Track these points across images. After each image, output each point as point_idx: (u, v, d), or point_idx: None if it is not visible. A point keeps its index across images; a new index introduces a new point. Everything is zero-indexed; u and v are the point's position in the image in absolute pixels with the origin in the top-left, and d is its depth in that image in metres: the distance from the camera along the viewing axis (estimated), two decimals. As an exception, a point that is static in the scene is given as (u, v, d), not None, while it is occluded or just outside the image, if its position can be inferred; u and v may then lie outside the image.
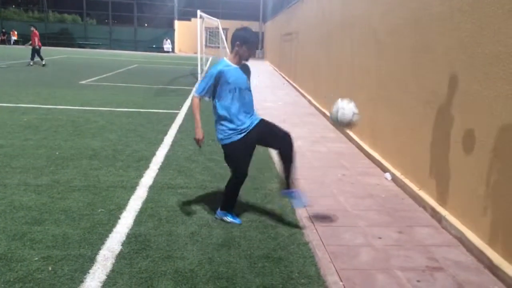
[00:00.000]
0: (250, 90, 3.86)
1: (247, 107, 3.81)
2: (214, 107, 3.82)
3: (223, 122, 3.77)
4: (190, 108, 10.38)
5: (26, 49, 22.67)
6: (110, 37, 42.56)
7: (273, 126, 3.91)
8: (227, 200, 4.02)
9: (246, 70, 3.88)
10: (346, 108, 3.84)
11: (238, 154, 3.80)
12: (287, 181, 3.87)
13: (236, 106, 3.73)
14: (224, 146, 3.84)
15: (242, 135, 3.76)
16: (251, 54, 3.82)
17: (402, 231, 4.02)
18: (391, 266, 3.37)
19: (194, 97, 3.80)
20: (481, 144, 3.69)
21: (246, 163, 3.85)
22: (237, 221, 4.02)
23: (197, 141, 3.84)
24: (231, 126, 3.75)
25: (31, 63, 19.92)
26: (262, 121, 3.89)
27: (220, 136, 3.82)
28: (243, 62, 3.84)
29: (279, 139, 3.81)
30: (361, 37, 7.42)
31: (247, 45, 3.72)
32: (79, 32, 42.88)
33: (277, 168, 5.80)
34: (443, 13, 4.44)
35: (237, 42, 3.71)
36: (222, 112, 3.75)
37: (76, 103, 10.19)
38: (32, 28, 20.14)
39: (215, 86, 3.72)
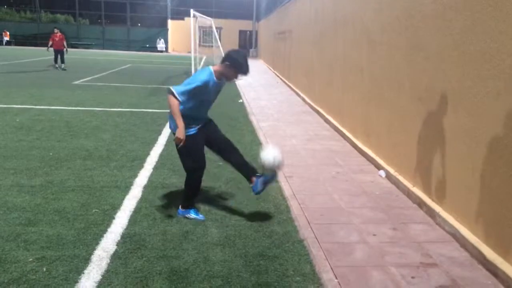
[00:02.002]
0: (211, 102, 4.02)
1: (206, 113, 4.03)
2: (181, 103, 3.69)
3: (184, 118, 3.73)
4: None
5: (19, 50, 22.56)
6: (103, 37, 42.40)
7: (220, 133, 4.17)
8: (189, 196, 4.07)
9: (221, 87, 3.98)
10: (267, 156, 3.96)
11: (186, 149, 3.80)
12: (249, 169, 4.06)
13: (199, 112, 3.88)
14: (187, 137, 3.79)
15: (196, 130, 3.87)
16: (235, 78, 3.90)
17: (396, 228, 4.04)
18: (385, 262, 3.39)
19: (171, 96, 3.64)
20: (474, 141, 3.71)
21: (204, 156, 4.01)
22: (200, 217, 4.04)
23: (180, 141, 3.68)
24: (191, 122, 3.81)
25: (57, 66, 19.15)
26: (211, 127, 4.08)
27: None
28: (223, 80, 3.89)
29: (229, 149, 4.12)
30: (354, 36, 7.44)
31: (235, 70, 3.78)
32: (72, 32, 42.57)
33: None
34: (435, 10, 4.47)
35: (227, 63, 3.75)
36: (186, 111, 3.71)
37: (70, 104, 10.14)
38: (57, 30, 19.11)
39: (194, 92, 3.69)
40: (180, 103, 3.64)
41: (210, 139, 4.04)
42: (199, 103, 3.80)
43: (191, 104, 3.74)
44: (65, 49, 19.10)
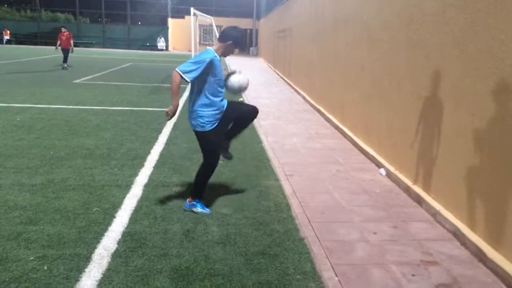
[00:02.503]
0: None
1: (223, 94, 4.07)
2: (197, 93, 3.93)
3: (206, 109, 3.92)
4: (185, 105, 10.35)
5: (21, 49, 22.54)
6: (103, 36, 42.37)
7: (239, 104, 4.44)
8: (199, 189, 4.18)
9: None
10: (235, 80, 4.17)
11: (217, 140, 4.06)
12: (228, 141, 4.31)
13: (219, 94, 3.97)
14: (206, 133, 3.98)
15: (219, 121, 4.04)
16: (235, 51, 4.12)
17: (396, 226, 4.05)
18: (386, 261, 3.39)
19: (177, 73, 3.75)
20: (474, 139, 3.72)
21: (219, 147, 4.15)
22: (206, 211, 4.15)
23: (170, 113, 3.86)
24: (215, 112, 3.96)
25: (65, 65, 18.89)
26: (229, 103, 4.18)
27: (201, 122, 3.94)
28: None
29: (244, 113, 4.29)
30: (355, 34, 7.43)
31: (235, 44, 3.96)
32: (72, 31, 42.01)
33: (273, 165, 5.82)
34: (435, 8, 4.46)
35: (230, 42, 3.92)
36: (206, 100, 3.91)
37: (70, 102, 10.15)
38: (64, 30, 18.98)
39: (202, 73, 3.79)
40: (188, 81, 3.81)
41: (227, 121, 4.20)
42: (217, 85, 3.92)
43: (210, 87, 3.89)
44: (70, 48, 18.90)
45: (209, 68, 3.80)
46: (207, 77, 3.84)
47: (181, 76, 3.73)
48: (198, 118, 3.94)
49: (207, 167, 4.13)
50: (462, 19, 3.94)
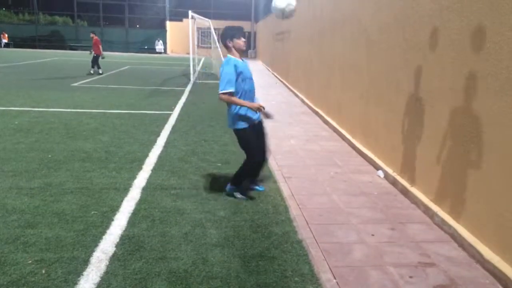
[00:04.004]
0: (252, 79, 4.42)
1: (253, 93, 4.42)
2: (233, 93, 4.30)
3: (236, 108, 4.26)
4: (183, 108, 10.38)
5: (19, 52, 22.53)
6: (101, 39, 42.08)
7: (265, 135, 4.59)
8: (241, 176, 4.53)
9: (248, 63, 4.50)
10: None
11: (251, 139, 4.36)
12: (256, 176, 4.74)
13: (249, 93, 4.31)
14: (239, 131, 4.34)
15: (251, 125, 4.34)
16: (244, 41, 4.29)
17: (394, 228, 4.05)
18: (384, 262, 3.40)
19: (222, 95, 4.16)
20: (471, 140, 3.73)
21: (261, 147, 4.47)
22: (245, 197, 4.56)
23: (259, 109, 4.17)
24: (244, 112, 4.27)
25: (92, 71, 18.46)
26: (262, 123, 4.57)
27: (233, 120, 4.34)
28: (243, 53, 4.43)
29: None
30: (352, 36, 7.45)
31: (237, 36, 4.22)
32: (70, 34, 42.61)
33: (271, 167, 5.82)
34: (432, 10, 4.48)
35: (227, 40, 4.22)
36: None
37: (68, 106, 10.15)
38: (92, 35, 18.45)
39: (236, 79, 4.18)
40: (233, 93, 4.18)
41: (259, 135, 4.51)
42: (244, 84, 4.25)
43: (239, 88, 4.22)
44: (91, 52, 18.37)
45: (237, 71, 4.16)
46: (237, 80, 4.20)
47: (226, 93, 4.14)
48: (230, 117, 4.35)
49: (251, 165, 4.45)
50: (458, 21, 3.96)
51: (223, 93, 4.14)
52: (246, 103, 4.19)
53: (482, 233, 3.55)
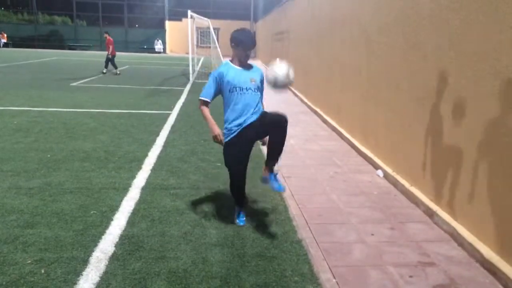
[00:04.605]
0: (254, 90, 3.78)
1: (248, 107, 3.73)
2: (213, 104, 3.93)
3: (224, 121, 3.82)
4: (182, 108, 10.38)
5: (18, 52, 22.50)
6: (100, 39, 42.17)
7: (267, 116, 3.79)
8: (234, 198, 4.13)
9: (252, 71, 3.87)
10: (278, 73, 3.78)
11: (229, 157, 3.86)
12: (270, 166, 3.86)
13: (243, 107, 3.71)
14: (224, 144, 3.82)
15: (235, 134, 3.75)
16: (247, 54, 3.82)
17: (394, 228, 4.05)
18: (383, 262, 3.40)
19: (199, 100, 3.85)
20: (471, 140, 3.73)
21: (239, 162, 3.86)
22: (241, 222, 3.99)
23: (215, 138, 3.73)
24: (228, 125, 3.78)
25: (104, 71, 18.34)
26: (260, 117, 3.79)
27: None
28: (247, 62, 3.86)
29: (271, 128, 3.72)
30: (352, 36, 7.45)
31: (241, 46, 3.76)
32: (69, 34, 42.56)
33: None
34: (432, 10, 4.48)
35: (232, 44, 3.79)
36: (225, 111, 3.82)
37: (67, 105, 10.13)
38: (106, 35, 18.40)
39: (220, 88, 3.80)
40: (209, 103, 3.83)
41: (257, 135, 3.88)
42: (232, 95, 3.72)
43: (225, 99, 3.79)
44: (108, 54, 18.22)
45: (221, 80, 3.76)
46: (223, 89, 3.79)
47: (200, 100, 3.83)
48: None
49: (230, 183, 4.02)
50: (458, 21, 3.96)
51: (199, 99, 3.83)
52: (209, 121, 3.77)
53: (481, 233, 3.55)
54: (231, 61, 3.86)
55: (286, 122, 3.66)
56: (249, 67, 3.88)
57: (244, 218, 4.04)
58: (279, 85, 3.80)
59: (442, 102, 4.22)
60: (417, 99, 4.76)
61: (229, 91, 3.73)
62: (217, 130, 3.72)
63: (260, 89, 3.90)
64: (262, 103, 3.96)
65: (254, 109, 3.77)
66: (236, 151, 3.80)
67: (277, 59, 3.89)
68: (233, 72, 3.77)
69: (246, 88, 3.74)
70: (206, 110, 3.83)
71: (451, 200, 4.02)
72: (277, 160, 3.87)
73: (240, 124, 3.73)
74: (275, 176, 3.85)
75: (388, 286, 3.07)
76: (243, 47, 3.76)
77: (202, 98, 3.81)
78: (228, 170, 3.92)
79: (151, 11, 43.68)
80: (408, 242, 3.76)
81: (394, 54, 5.47)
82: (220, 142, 3.74)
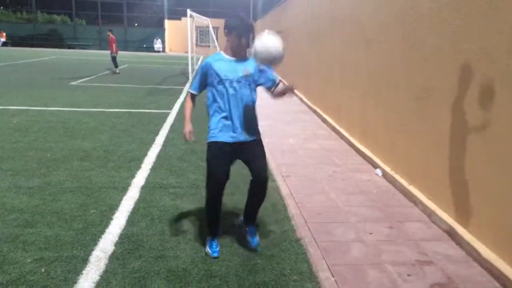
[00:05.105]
0: (246, 84, 3.35)
1: (238, 105, 3.32)
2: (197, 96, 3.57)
3: (211, 117, 3.41)
4: (182, 107, 10.39)
5: (17, 51, 22.49)
6: (99, 37, 42.26)
7: (259, 156, 3.42)
8: (206, 220, 3.56)
9: (247, 62, 3.39)
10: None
11: (211, 162, 3.35)
12: (247, 222, 3.63)
13: (228, 103, 3.31)
14: (207, 144, 3.43)
15: (224, 139, 3.33)
16: (242, 43, 3.29)
17: (392, 226, 4.07)
18: (382, 261, 3.42)
19: (188, 92, 3.56)
20: (469, 139, 3.74)
21: (221, 173, 3.30)
22: (214, 253, 3.39)
23: (184, 135, 3.40)
24: (215, 120, 3.37)
25: (117, 71, 18.36)
26: (254, 145, 3.41)
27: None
28: (242, 54, 3.37)
29: (251, 182, 3.42)
30: (351, 35, 7.46)
31: (234, 32, 3.27)
32: (68, 33, 42.54)
33: (270, 165, 5.84)
34: (431, 9, 4.49)
35: (225, 31, 3.31)
36: (208, 104, 3.41)
37: (67, 104, 10.14)
38: (109, 33, 18.74)
39: (206, 80, 3.39)
40: (195, 95, 3.51)
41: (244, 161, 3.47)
42: (223, 90, 3.30)
43: (211, 96, 3.37)
44: (111, 52, 18.41)
45: (207, 71, 3.36)
46: (209, 81, 3.38)
47: (189, 93, 3.52)
48: None
49: (206, 193, 3.41)
50: (457, 20, 3.97)
51: (188, 91, 3.47)
52: (186, 116, 3.46)
53: (479, 232, 3.57)
54: (224, 51, 3.39)
55: (265, 185, 3.39)
56: (243, 58, 3.38)
57: (219, 249, 3.44)
58: (276, 63, 3.17)
59: (441, 101, 4.23)
60: (416, 98, 4.78)
61: (218, 82, 3.30)
62: (187, 127, 3.39)
63: (255, 82, 3.42)
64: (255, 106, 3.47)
65: (245, 111, 3.34)
66: (218, 154, 3.34)
67: (266, 30, 3.25)
68: (222, 62, 3.33)
69: (237, 81, 3.30)
70: (187, 104, 3.51)
71: (449, 199, 4.04)
72: (255, 218, 3.65)
73: (222, 131, 3.34)
74: (254, 228, 3.61)
75: (386, 284, 3.09)
76: (236, 34, 3.26)
77: (190, 91, 3.52)
78: (207, 176, 3.37)
79: (151, 10, 43.70)
80: (407, 240, 3.78)
81: (394, 53, 5.48)
82: (187, 140, 3.42)
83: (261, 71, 3.41)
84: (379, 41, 6.03)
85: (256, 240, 3.56)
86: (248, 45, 3.32)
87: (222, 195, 3.37)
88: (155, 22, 44.02)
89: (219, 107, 3.35)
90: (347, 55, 7.66)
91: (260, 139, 3.50)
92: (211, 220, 3.47)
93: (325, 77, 9.48)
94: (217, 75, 3.31)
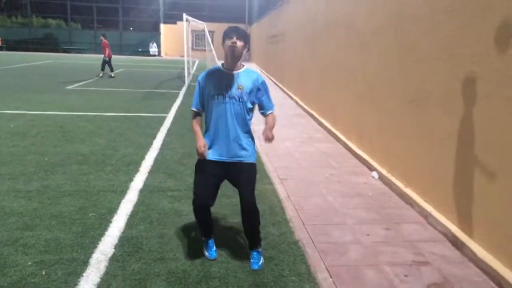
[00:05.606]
0: (239, 101, 3.13)
1: (226, 124, 3.13)
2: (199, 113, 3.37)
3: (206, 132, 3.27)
4: (178, 111, 10.43)
5: (12, 55, 22.40)
6: (95, 42, 42.18)
7: (246, 181, 3.27)
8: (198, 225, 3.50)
9: (243, 75, 3.18)
10: None
11: (196, 177, 3.29)
12: (249, 240, 3.44)
13: (214, 117, 3.16)
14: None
15: (211, 157, 3.20)
16: (228, 44, 3.07)
17: (389, 228, 4.12)
18: (379, 262, 3.46)
19: (191, 111, 3.34)
20: (464, 142, 3.80)
21: (206, 190, 3.21)
22: (211, 256, 3.41)
23: (196, 150, 3.17)
24: (207, 139, 3.23)
25: (101, 75, 18.33)
26: (243, 168, 3.25)
27: None
28: (235, 61, 3.15)
29: (241, 209, 3.29)
30: (346, 38, 7.53)
31: (222, 38, 3.13)
32: (64, 37, 42.48)
33: (267, 169, 5.88)
34: (425, 14, 4.56)
35: (222, 44, 3.17)
36: (207, 126, 3.25)
37: (64, 109, 10.15)
38: (102, 38, 18.85)
39: (204, 94, 3.23)
40: (200, 112, 3.30)
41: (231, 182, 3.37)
42: (212, 103, 3.16)
43: (209, 113, 3.21)
44: (104, 56, 18.46)
45: (203, 87, 3.22)
46: (204, 96, 3.24)
47: (193, 112, 3.33)
48: None
49: (193, 204, 3.30)
50: (451, 24, 4.04)
51: (191, 110, 3.33)
52: (195, 132, 3.20)
53: (475, 233, 3.62)
54: (223, 63, 3.22)
55: (254, 209, 3.24)
56: (238, 69, 3.19)
57: (215, 249, 3.45)
58: None
59: (436, 104, 4.29)
60: (411, 101, 4.84)
61: (210, 98, 3.16)
62: (200, 142, 3.16)
63: (249, 100, 3.17)
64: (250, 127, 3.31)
65: (233, 130, 3.15)
66: (204, 173, 3.24)
67: None
68: (216, 75, 3.18)
69: (229, 96, 3.11)
70: (195, 123, 3.28)
71: (445, 201, 4.09)
72: (257, 241, 3.41)
73: (211, 149, 3.21)
74: (257, 253, 3.38)
75: (384, 285, 3.13)
76: (222, 38, 3.12)
77: (193, 109, 3.30)
78: (193, 189, 3.30)
79: (146, 14, 43.71)
80: (403, 242, 3.83)
81: (388, 56, 5.55)
82: (201, 155, 3.16)
83: (258, 91, 3.23)
84: (374, 45, 6.10)
85: (258, 264, 3.32)
86: (235, 49, 3.08)
87: (209, 211, 3.32)
88: (150, 26, 44.07)
89: (209, 123, 3.20)
90: (343, 59, 7.73)
91: (253, 161, 3.30)
92: (201, 226, 3.45)
93: (321, 81, 9.54)
94: (210, 89, 3.16)
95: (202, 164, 3.23)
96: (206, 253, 3.43)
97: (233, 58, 3.12)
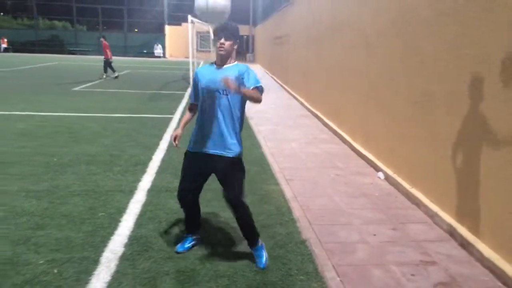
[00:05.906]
0: (223, 93, 3.16)
1: (217, 113, 3.20)
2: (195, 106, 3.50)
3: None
4: (184, 112, 10.46)
5: (19, 57, 22.52)
6: (100, 43, 42.40)
7: (231, 178, 3.27)
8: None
9: (228, 69, 3.21)
10: None
11: (184, 167, 3.41)
12: (246, 238, 3.47)
13: (201, 110, 3.29)
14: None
15: (196, 149, 3.32)
16: (218, 46, 3.17)
17: (396, 228, 4.14)
18: (386, 261, 3.49)
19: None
20: (469, 142, 3.83)
21: (188, 182, 3.36)
22: (179, 248, 3.50)
23: (171, 137, 3.40)
24: (192, 133, 3.38)
25: (104, 76, 18.47)
26: (229, 164, 3.25)
27: None
28: (224, 59, 3.22)
29: (225, 196, 3.31)
30: (351, 40, 7.56)
31: (214, 36, 3.22)
32: (69, 39, 42.69)
33: (273, 169, 5.92)
34: (430, 16, 4.59)
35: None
36: (197, 121, 3.37)
37: (70, 110, 10.23)
38: (101, 39, 18.90)
39: (198, 88, 3.33)
40: (195, 105, 3.43)
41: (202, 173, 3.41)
42: (202, 97, 3.27)
43: (200, 106, 3.32)
44: (105, 58, 18.56)
45: (196, 82, 3.34)
46: (197, 91, 3.36)
47: (190, 103, 3.52)
48: None
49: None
50: (454, 26, 4.07)
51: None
52: (181, 122, 3.50)
53: (481, 232, 3.64)
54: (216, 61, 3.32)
55: (236, 203, 3.25)
56: (228, 65, 3.25)
57: (188, 246, 3.52)
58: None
59: (441, 105, 4.32)
60: (416, 102, 4.86)
61: (200, 92, 3.29)
62: (175, 131, 3.44)
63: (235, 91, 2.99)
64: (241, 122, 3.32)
65: (218, 123, 3.21)
66: (186, 165, 3.39)
67: None
68: (206, 70, 3.31)
69: (216, 90, 3.17)
70: (186, 114, 3.54)
71: (451, 200, 4.12)
72: (253, 237, 3.42)
73: (196, 142, 3.33)
74: (256, 250, 3.41)
75: (391, 284, 3.16)
76: (214, 36, 3.23)
77: (191, 102, 3.50)
78: (179, 184, 3.41)
79: (151, 15, 43.84)
80: (410, 242, 3.86)
81: (393, 58, 5.58)
82: (173, 142, 3.45)
83: (242, 79, 3.16)
84: (378, 46, 6.13)
85: (261, 261, 3.34)
86: (222, 49, 3.17)
87: (194, 206, 3.49)
88: (155, 28, 44.17)
89: (198, 116, 3.34)
90: (348, 60, 7.76)
91: (238, 156, 3.28)
92: (185, 218, 3.58)
93: (326, 82, 9.57)
94: (201, 83, 3.26)
95: (187, 157, 3.38)
96: (177, 245, 3.53)
97: (221, 56, 3.23)
